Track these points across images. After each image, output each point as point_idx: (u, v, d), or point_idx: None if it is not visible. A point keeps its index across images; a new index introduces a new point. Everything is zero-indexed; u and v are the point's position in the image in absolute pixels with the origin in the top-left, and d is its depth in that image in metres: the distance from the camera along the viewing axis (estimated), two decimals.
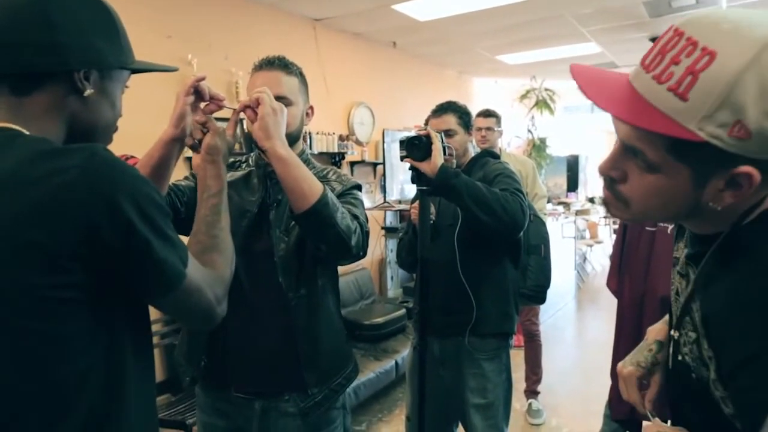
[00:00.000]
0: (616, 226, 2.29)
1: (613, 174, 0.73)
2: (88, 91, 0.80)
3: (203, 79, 1.13)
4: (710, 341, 0.68)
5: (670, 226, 2.09)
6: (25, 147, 0.72)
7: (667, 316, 0.95)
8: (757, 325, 0.62)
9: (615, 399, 2.31)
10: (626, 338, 2.24)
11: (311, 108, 1.51)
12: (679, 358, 0.76)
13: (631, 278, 2.23)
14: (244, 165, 1.52)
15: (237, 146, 1.20)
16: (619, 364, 0.96)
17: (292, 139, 1.42)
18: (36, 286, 0.67)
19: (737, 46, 0.59)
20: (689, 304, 0.75)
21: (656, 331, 0.96)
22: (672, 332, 0.80)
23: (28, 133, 0.75)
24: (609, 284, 2.40)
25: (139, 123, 1.95)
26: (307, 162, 1.48)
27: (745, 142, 0.60)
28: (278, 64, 1.41)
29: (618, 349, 2.29)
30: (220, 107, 1.16)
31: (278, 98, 1.27)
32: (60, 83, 0.78)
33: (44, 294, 0.68)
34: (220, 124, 1.14)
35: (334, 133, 4.29)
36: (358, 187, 1.49)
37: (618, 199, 0.74)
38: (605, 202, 0.77)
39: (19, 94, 0.77)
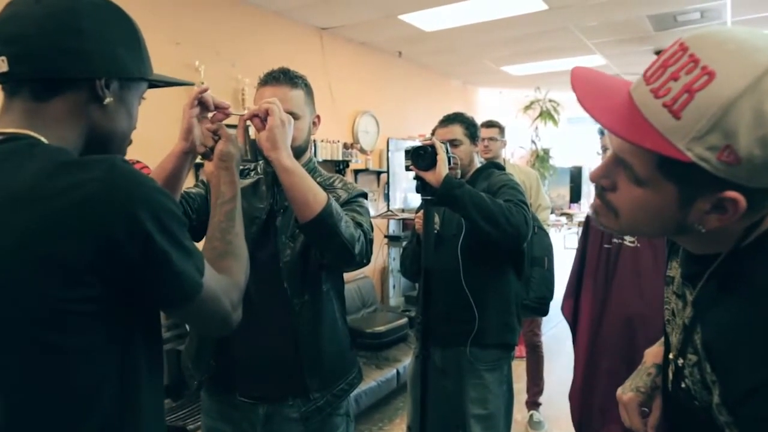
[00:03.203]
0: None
1: (603, 182, 0.72)
2: (108, 100, 0.80)
3: (206, 90, 1.14)
4: (714, 366, 0.67)
5: (627, 241, 2.07)
6: (43, 157, 0.72)
7: (663, 339, 0.94)
8: (759, 355, 0.61)
9: (576, 416, 2.29)
10: (583, 359, 2.22)
11: (318, 117, 1.53)
12: (683, 385, 0.74)
13: (592, 298, 2.20)
14: (252, 173, 1.54)
15: (245, 154, 1.21)
16: (619, 390, 0.94)
17: (300, 150, 1.44)
18: (55, 299, 0.67)
19: (737, 69, 0.58)
20: (690, 328, 0.73)
21: (654, 354, 0.94)
22: (671, 356, 0.79)
23: (45, 140, 0.75)
24: (563, 308, 2.37)
25: (148, 130, 1.97)
26: (313, 170, 1.50)
27: (734, 168, 0.59)
28: (283, 78, 1.43)
29: (577, 371, 2.25)
30: (227, 115, 1.18)
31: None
32: (81, 90, 0.79)
33: (62, 307, 0.68)
34: (230, 131, 1.15)
35: (338, 141, 4.30)
36: (364, 195, 1.50)
37: (608, 208, 0.73)
38: (595, 211, 0.76)
39: (39, 100, 0.77)
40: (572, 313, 2.29)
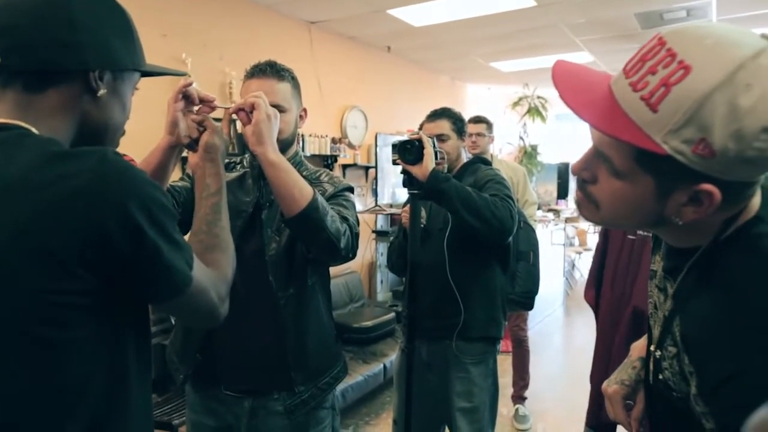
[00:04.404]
0: None
1: (584, 175, 0.73)
2: (102, 91, 0.80)
3: (191, 84, 1.14)
4: (691, 358, 0.68)
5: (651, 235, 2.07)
6: (34, 148, 0.71)
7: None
8: (734, 345, 0.62)
9: (592, 404, 2.32)
10: (603, 346, 2.25)
11: (304, 110, 1.52)
12: (660, 377, 0.76)
13: (611, 288, 2.23)
14: (238, 166, 1.54)
15: (230, 147, 1.20)
16: (604, 383, 0.95)
17: (287, 144, 1.44)
18: (45, 292, 0.67)
19: (713, 63, 0.58)
20: (669, 320, 0.74)
21: (639, 348, 0.96)
22: (651, 348, 0.80)
23: (36, 131, 0.74)
24: (586, 296, 2.40)
25: (132, 122, 1.95)
26: (300, 164, 1.50)
27: (709, 161, 0.60)
28: (270, 71, 1.42)
29: (596, 357, 2.29)
30: (212, 108, 1.17)
31: (271, 106, 1.29)
32: (74, 82, 0.78)
33: (52, 300, 0.67)
34: (216, 123, 1.14)
35: (326, 136, 4.29)
36: (350, 189, 1.50)
37: (589, 200, 0.74)
38: (577, 203, 0.78)
39: (31, 91, 0.76)
40: (595, 302, 2.31)
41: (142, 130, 1.97)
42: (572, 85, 0.69)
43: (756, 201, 0.69)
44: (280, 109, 1.37)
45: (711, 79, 0.58)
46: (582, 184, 0.75)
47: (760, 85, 0.57)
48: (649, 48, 0.64)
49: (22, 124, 0.74)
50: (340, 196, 1.45)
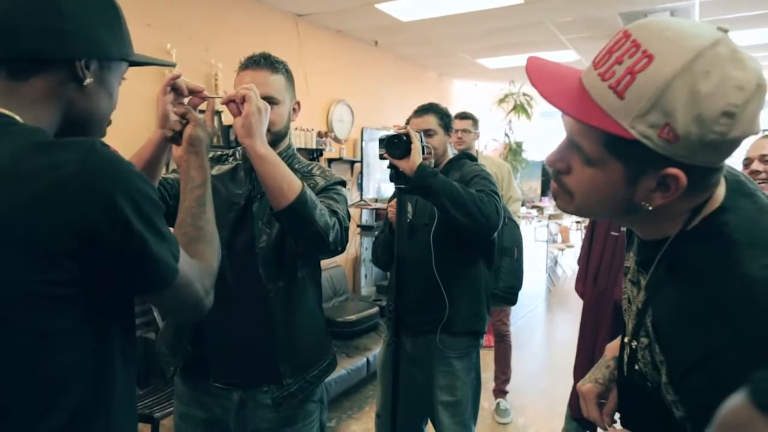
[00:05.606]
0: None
1: (559, 165, 0.76)
2: (88, 81, 0.79)
3: (179, 76, 1.13)
4: (661, 347, 0.71)
5: None
6: (19, 137, 0.70)
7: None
8: (699, 332, 0.65)
9: (574, 398, 2.35)
10: (586, 341, 2.29)
11: (298, 103, 1.52)
12: (636, 367, 0.78)
13: (595, 282, 2.27)
14: (231, 159, 1.53)
15: (215, 139, 1.19)
16: (579, 382, 0.98)
17: (279, 136, 1.44)
18: (31, 282, 0.66)
19: (673, 52, 0.62)
20: (642, 311, 0.77)
21: (614, 348, 0.98)
22: (626, 340, 0.82)
23: (21, 120, 0.73)
24: (576, 287, 2.44)
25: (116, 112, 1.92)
26: (292, 157, 1.50)
27: (673, 145, 0.63)
28: (264, 63, 1.42)
29: (579, 351, 2.33)
30: (203, 99, 1.16)
31: (265, 98, 1.29)
32: (60, 71, 0.77)
33: (39, 290, 0.67)
34: (200, 116, 1.14)
35: (312, 130, 4.28)
36: (342, 183, 1.51)
37: (564, 191, 0.77)
38: (553, 194, 0.81)
39: (15, 79, 0.75)
40: (583, 293, 2.34)
41: (127, 122, 1.95)
42: (545, 77, 0.73)
43: (721, 192, 0.72)
44: (273, 101, 1.37)
45: (672, 66, 0.62)
46: (557, 175, 0.77)
47: (718, 72, 0.61)
48: (615, 41, 0.68)
49: (7, 112, 0.73)
50: (332, 189, 1.45)
